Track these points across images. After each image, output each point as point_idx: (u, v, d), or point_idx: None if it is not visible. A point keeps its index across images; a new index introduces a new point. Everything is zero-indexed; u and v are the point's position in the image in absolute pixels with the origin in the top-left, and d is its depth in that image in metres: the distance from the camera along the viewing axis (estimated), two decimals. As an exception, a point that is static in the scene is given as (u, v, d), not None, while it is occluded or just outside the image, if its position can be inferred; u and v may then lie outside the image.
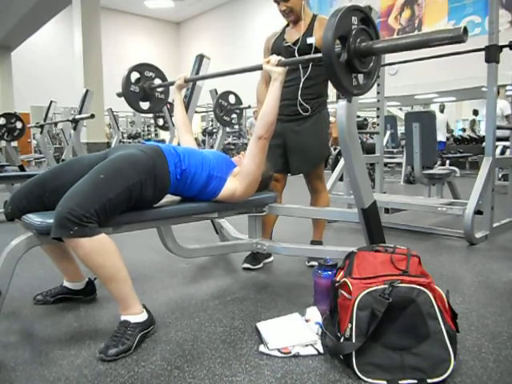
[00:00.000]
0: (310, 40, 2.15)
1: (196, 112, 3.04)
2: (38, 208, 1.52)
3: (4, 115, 5.12)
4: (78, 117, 4.39)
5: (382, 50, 1.40)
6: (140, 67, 2.48)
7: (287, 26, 2.31)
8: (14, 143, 6.42)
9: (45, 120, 5.39)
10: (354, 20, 1.39)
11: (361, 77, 1.46)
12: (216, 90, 4.66)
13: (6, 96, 11.82)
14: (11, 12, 8.54)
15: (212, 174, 1.72)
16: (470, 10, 8.88)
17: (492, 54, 2.72)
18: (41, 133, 5.68)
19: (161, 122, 7.12)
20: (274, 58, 1.73)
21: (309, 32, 2.18)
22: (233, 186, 1.77)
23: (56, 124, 8.70)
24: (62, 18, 10.48)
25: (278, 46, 2.27)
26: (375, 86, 3.69)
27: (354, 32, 1.36)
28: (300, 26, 2.22)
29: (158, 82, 2.52)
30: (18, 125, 5.11)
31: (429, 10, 9.58)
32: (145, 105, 2.55)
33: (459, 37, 1.19)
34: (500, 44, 2.72)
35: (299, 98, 2.21)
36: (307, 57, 1.86)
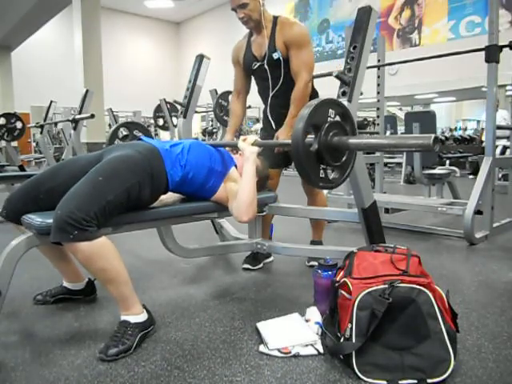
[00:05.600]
0: (275, 56, 2.10)
1: (196, 112, 3.05)
2: (33, 210, 1.50)
3: (4, 115, 5.12)
4: (78, 117, 4.38)
5: (353, 147, 1.41)
6: (130, 125, 2.53)
7: (251, 33, 2.22)
8: (14, 143, 6.42)
9: (45, 120, 5.39)
10: (331, 113, 1.40)
11: (331, 170, 1.46)
12: (216, 90, 4.67)
13: (6, 96, 11.80)
14: (11, 12, 8.53)
15: (213, 167, 1.73)
16: (470, 10, 8.87)
17: (492, 54, 2.72)
18: (41, 133, 5.68)
19: (161, 122, 7.12)
20: (251, 138, 1.76)
21: (272, 43, 2.11)
22: (225, 195, 1.76)
23: (56, 124, 8.69)
24: (62, 18, 10.46)
25: (248, 63, 2.22)
26: (375, 85, 3.70)
27: (327, 124, 1.37)
28: (264, 36, 2.12)
29: None
30: (18, 125, 5.11)
31: (429, 10, 9.58)
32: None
33: (428, 146, 1.20)
34: (500, 44, 2.72)
35: (268, 111, 2.20)
36: (279, 142, 1.90)
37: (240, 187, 1.70)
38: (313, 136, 1.37)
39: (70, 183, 1.42)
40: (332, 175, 1.46)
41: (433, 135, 1.19)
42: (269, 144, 1.96)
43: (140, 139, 1.79)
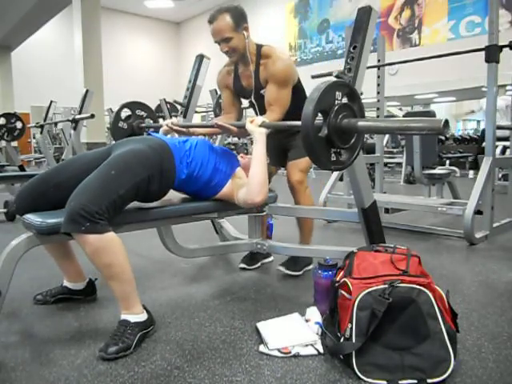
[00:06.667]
0: (264, 93, 2.06)
1: (196, 112, 3.05)
2: (42, 204, 1.52)
3: (4, 115, 5.12)
4: (78, 117, 4.38)
5: (363, 130, 1.40)
6: (132, 105, 2.51)
7: (237, 62, 2.13)
8: (14, 143, 6.42)
9: (45, 120, 5.38)
10: (338, 95, 1.38)
11: (341, 152, 1.45)
12: (216, 90, 4.66)
13: (6, 96, 11.79)
14: (11, 12, 8.52)
15: (217, 166, 1.73)
16: (470, 10, 8.87)
17: (492, 54, 2.72)
18: (41, 133, 5.66)
19: (161, 121, 7.10)
20: (259, 119, 1.74)
21: (257, 79, 2.07)
22: (232, 190, 1.77)
23: (56, 124, 8.68)
24: (62, 18, 10.46)
25: (239, 91, 2.20)
26: (375, 85, 3.70)
27: (336, 108, 1.36)
28: (250, 70, 2.07)
29: (148, 121, 2.57)
30: (18, 125, 5.11)
31: (429, 10, 9.58)
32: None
33: (439, 129, 1.18)
34: (500, 44, 2.72)
35: None
36: (288, 123, 1.85)
37: (251, 169, 1.71)
38: (321, 118, 1.37)
39: (78, 178, 1.44)
40: (342, 157, 1.45)
41: (443, 118, 1.18)
42: (277, 126, 1.91)
43: (149, 134, 1.79)
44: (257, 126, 1.73)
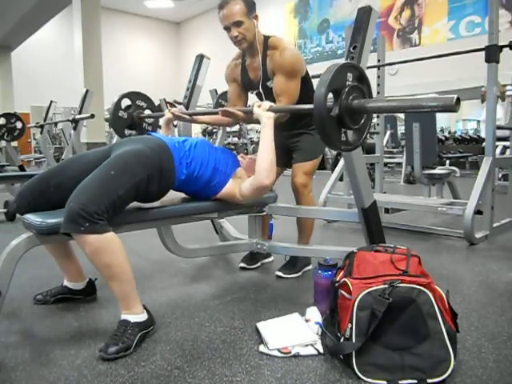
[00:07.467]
0: (270, 84, 2.05)
1: (196, 112, 3.05)
2: (42, 204, 1.53)
3: (4, 115, 5.12)
4: (78, 117, 4.38)
5: (373, 110, 1.42)
6: (132, 95, 2.51)
7: (244, 54, 2.13)
8: (14, 143, 6.42)
9: (45, 120, 5.38)
10: (349, 77, 1.40)
11: (350, 133, 1.46)
12: (216, 90, 4.66)
13: (6, 96, 11.79)
14: (11, 12, 8.52)
15: (217, 167, 1.73)
16: (470, 10, 8.88)
17: (492, 54, 2.72)
18: (41, 133, 5.67)
19: (161, 122, 7.09)
20: (267, 104, 1.73)
21: (265, 71, 2.04)
22: (234, 188, 1.76)
23: (56, 124, 8.68)
24: (62, 18, 10.46)
25: (246, 84, 2.18)
26: (375, 85, 3.70)
27: (347, 89, 1.38)
28: (257, 62, 2.05)
29: (148, 112, 2.56)
30: (18, 125, 5.12)
31: (429, 10, 9.59)
32: (130, 133, 2.59)
33: (451, 106, 1.18)
34: (500, 44, 2.72)
35: None
36: (297, 106, 1.83)
37: (260, 152, 1.70)
38: (331, 101, 1.38)
39: (78, 178, 1.44)
40: (350, 138, 1.46)
41: (455, 96, 1.17)
42: (286, 110, 1.88)
43: (149, 134, 1.80)
44: (264, 111, 1.72)
